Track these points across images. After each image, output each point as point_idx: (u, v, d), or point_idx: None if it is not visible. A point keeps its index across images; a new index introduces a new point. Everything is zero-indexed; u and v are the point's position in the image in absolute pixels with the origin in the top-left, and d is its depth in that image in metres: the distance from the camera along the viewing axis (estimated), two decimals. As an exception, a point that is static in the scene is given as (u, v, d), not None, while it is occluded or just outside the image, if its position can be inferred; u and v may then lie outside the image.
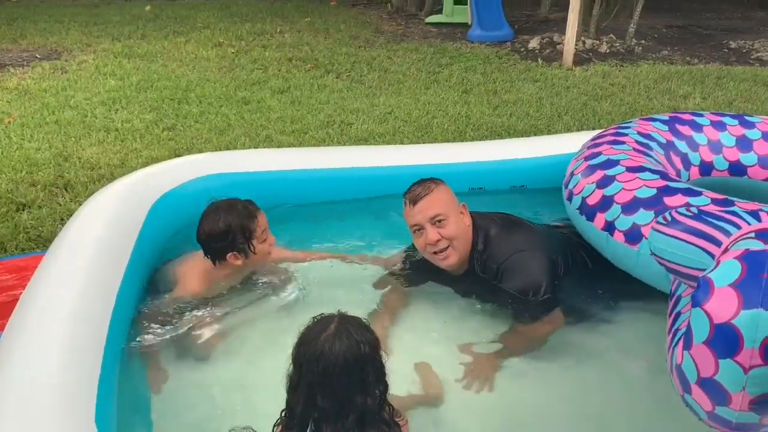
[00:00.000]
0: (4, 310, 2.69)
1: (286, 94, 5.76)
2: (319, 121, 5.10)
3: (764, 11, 9.50)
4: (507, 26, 8.01)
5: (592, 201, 2.43)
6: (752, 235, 1.68)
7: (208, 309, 2.40)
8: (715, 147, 2.81)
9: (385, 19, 9.00)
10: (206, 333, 2.31)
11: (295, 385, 1.61)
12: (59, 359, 1.79)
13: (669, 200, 2.18)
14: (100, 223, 2.45)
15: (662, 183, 2.29)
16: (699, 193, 2.19)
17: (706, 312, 1.52)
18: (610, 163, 2.53)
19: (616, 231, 2.29)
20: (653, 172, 2.40)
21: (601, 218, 2.36)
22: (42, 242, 3.35)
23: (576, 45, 6.97)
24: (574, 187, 2.57)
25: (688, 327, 1.58)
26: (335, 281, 2.65)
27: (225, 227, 2.35)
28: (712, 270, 1.61)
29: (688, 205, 2.10)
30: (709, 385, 1.54)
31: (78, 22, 8.16)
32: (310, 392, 1.58)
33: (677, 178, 2.42)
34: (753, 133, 2.84)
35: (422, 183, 2.44)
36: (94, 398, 1.67)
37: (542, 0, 9.11)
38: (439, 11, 8.78)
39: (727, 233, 1.73)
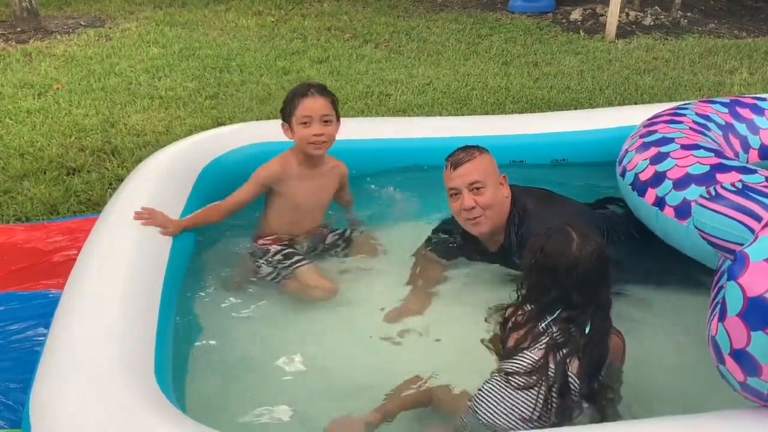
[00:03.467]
0: (59, 269, 2.82)
1: (324, 64, 5.79)
2: (358, 92, 5.13)
3: (818, -17, 9.15)
4: (549, -4, 7.86)
5: (644, 177, 2.45)
6: None
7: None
8: None
9: (424, -13, 8.90)
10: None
11: (545, 287, 1.88)
12: (117, 318, 1.88)
13: (722, 177, 2.17)
14: (151, 186, 2.53)
15: (716, 160, 2.29)
16: (754, 171, 2.17)
17: (740, 285, 1.57)
18: (665, 141, 2.53)
19: (666, 206, 2.30)
20: (708, 150, 2.39)
21: (652, 193, 2.38)
22: (92, 205, 3.47)
23: (619, 17, 6.83)
24: (628, 163, 2.58)
25: (723, 299, 1.63)
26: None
27: (286, 96, 2.59)
28: (749, 245, 1.65)
29: (740, 182, 2.08)
30: (741, 357, 1.59)
31: (120, -11, 8.25)
32: (564, 292, 1.86)
33: (733, 157, 2.40)
34: None
35: (466, 149, 2.47)
36: (152, 355, 1.76)
37: (585, -30, 8.89)
38: (480, -20, 8.65)
39: None
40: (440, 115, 4.72)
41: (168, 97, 4.89)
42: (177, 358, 1.99)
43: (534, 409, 1.80)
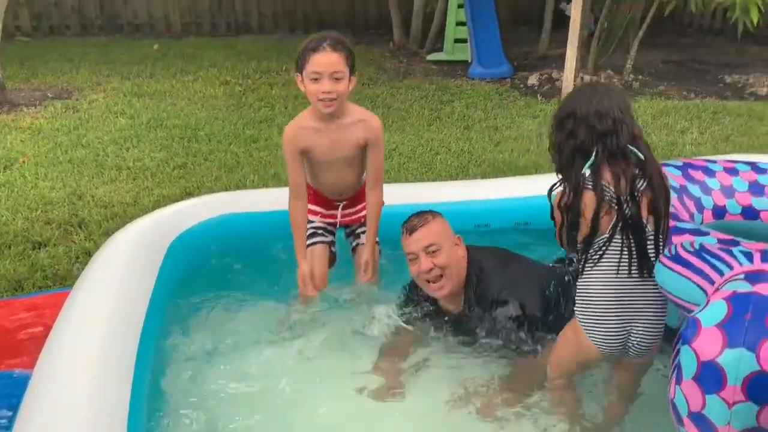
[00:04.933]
0: (24, 347, 2.77)
1: (292, 132, 5.89)
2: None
3: (758, 46, 9.69)
4: (506, 63, 8.19)
5: None
6: (742, 276, 1.78)
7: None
8: (728, 192, 2.91)
9: (387, 56, 9.20)
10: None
11: (570, 134, 1.98)
12: (89, 398, 1.86)
13: (677, 239, 2.27)
14: (121, 261, 2.54)
15: (671, 223, 2.39)
16: (706, 233, 2.27)
17: (693, 350, 1.65)
18: None
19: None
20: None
21: None
22: (58, 280, 3.44)
23: (574, 81, 7.14)
24: None
25: (679, 363, 1.71)
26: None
27: (302, 44, 2.56)
28: (701, 309, 1.74)
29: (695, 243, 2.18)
30: (698, 419, 1.65)
31: (87, 60, 8.35)
32: (590, 130, 1.96)
33: (688, 220, 2.51)
34: (765, 179, 2.94)
35: (420, 214, 2.62)
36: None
37: (540, 37, 9.32)
38: (440, 49, 8.98)
39: (721, 273, 1.84)
40: (406, 179, 4.83)
41: (136, 168, 4.92)
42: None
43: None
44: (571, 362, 2.27)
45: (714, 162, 3.05)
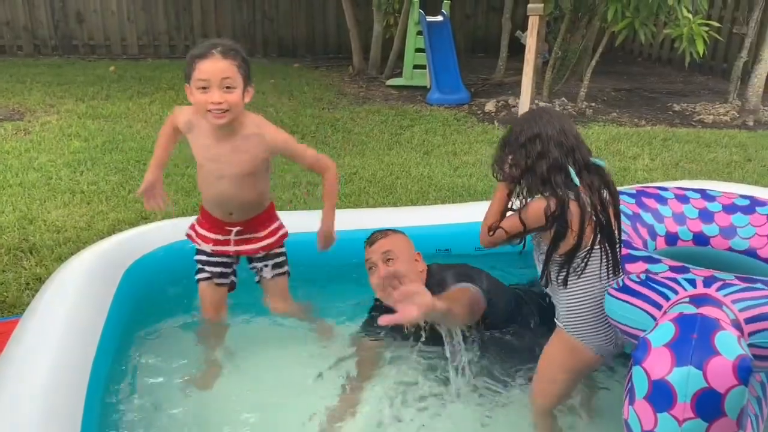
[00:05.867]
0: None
1: (251, 156, 5.85)
2: (287, 182, 5.20)
3: (703, 76, 10.11)
4: (464, 89, 8.34)
5: None
6: (687, 300, 1.86)
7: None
8: (679, 219, 3.00)
9: (347, 81, 9.27)
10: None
11: (541, 154, 2.07)
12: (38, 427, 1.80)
13: (630, 267, 2.33)
14: (74, 287, 2.47)
15: (624, 251, 2.45)
16: (658, 261, 2.34)
17: (644, 369, 1.71)
18: None
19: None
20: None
21: None
22: (7, 307, 3.32)
23: (530, 107, 7.30)
24: None
25: (631, 383, 1.76)
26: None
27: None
28: (651, 331, 1.82)
29: (647, 272, 2.24)
30: None
31: (41, 82, 8.18)
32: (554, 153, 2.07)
33: (640, 247, 2.58)
34: (714, 206, 3.04)
35: (382, 231, 2.74)
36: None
37: (497, 64, 9.52)
38: (399, 74, 9.10)
39: (667, 298, 1.91)
40: (367, 203, 4.84)
41: (90, 192, 4.81)
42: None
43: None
44: (566, 370, 2.26)
45: (666, 189, 3.14)
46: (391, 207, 4.61)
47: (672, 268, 2.22)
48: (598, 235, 2.11)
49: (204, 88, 2.23)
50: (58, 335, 2.23)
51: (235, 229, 2.56)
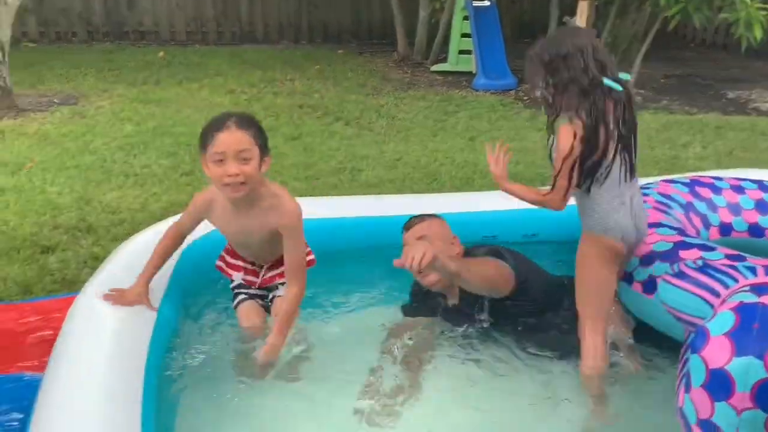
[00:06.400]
0: (33, 351, 2.79)
1: (297, 141, 5.94)
2: (331, 168, 5.26)
3: (761, 62, 9.76)
4: (511, 75, 8.25)
5: None
6: (747, 288, 1.83)
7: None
8: (735, 209, 2.94)
9: (391, 67, 9.26)
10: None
11: (583, 69, 2.18)
12: (98, 402, 1.88)
13: (684, 254, 2.30)
14: (131, 269, 2.56)
15: (679, 238, 2.42)
16: (713, 249, 2.31)
17: (702, 358, 1.70)
18: None
19: (634, 281, 2.42)
20: (671, 228, 2.54)
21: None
22: (67, 284, 3.46)
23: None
24: None
25: (688, 372, 1.75)
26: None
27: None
28: (709, 320, 1.78)
29: (701, 259, 2.22)
30: (707, 426, 1.70)
31: (94, 67, 8.40)
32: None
33: (695, 235, 2.54)
34: None
35: (419, 216, 2.81)
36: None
37: (544, 50, 9.37)
38: (445, 60, 9.04)
39: (726, 286, 1.88)
40: (411, 190, 4.86)
41: (143, 174, 4.95)
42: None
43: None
44: (598, 265, 2.35)
45: (721, 179, 3.08)
46: (437, 193, 4.63)
47: (728, 256, 2.19)
48: (618, 146, 2.25)
49: (220, 160, 2.21)
50: (115, 312, 2.31)
51: (263, 267, 2.65)
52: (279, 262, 2.57)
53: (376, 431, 2.25)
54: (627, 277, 2.45)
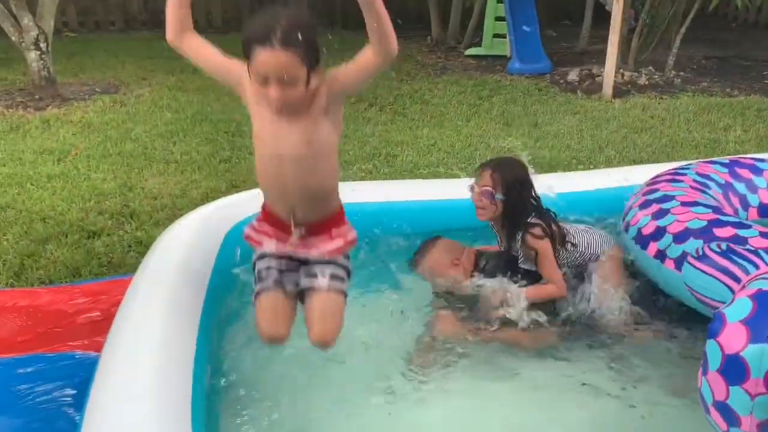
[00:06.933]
0: (83, 330, 2.91)
1: (333, 127, 5.97)
2: (366, 153, 5.30)
3: (805, 42, 9.51)
4: (546, 58, 8.17)
5: (646, 231, 2.61)
6: (767, 275, 1.83)
7: None
8: None
9: (425, 51, 9.24)
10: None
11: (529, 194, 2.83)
12: (153, 377, 1.97)
13: (719, 231, 2.30)
14: (179, 251, 2.65)
15: (714, 216, 2.42)
16: (749, 227, 2.30)
17: (718, 343, 1.74)
18: (666, 198, 2.70)
19: (667, 258, 2.43)
20: (706, 206, 2.54)
21: (653, 247, 2.53)
22: (113, 268, 3.58)
23: (615, 77, 7.09)
24: (631, 219, 2.75)
25: (705, 355, 1.79)
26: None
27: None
28: (727, 305, 1.82)
29: (736, 236, 2.21)
30: (722, 408, 1.74)
31: (133, 56, 8.57)
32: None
33: (732, 214, 2.53)
34: None
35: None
36: (189, 412, 1.84)
37: (580, 32, 9.25)
38: (478, 44, 9.00)
39: (747, 271, 1.89)
40: (446, 175, 4.88)
41: (183, 161, 5.06)
42: (212, 413, 2.06)
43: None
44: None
45: (762, 161, 3.04)
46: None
47: (762, 234, 2.18)
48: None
49: (263, 79, 1.92)
50: (166, 295, 2.41)
51: (299, 230, 2.15)
52: (318, 228, 2.16)
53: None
54: (660, 255, 2.46)
